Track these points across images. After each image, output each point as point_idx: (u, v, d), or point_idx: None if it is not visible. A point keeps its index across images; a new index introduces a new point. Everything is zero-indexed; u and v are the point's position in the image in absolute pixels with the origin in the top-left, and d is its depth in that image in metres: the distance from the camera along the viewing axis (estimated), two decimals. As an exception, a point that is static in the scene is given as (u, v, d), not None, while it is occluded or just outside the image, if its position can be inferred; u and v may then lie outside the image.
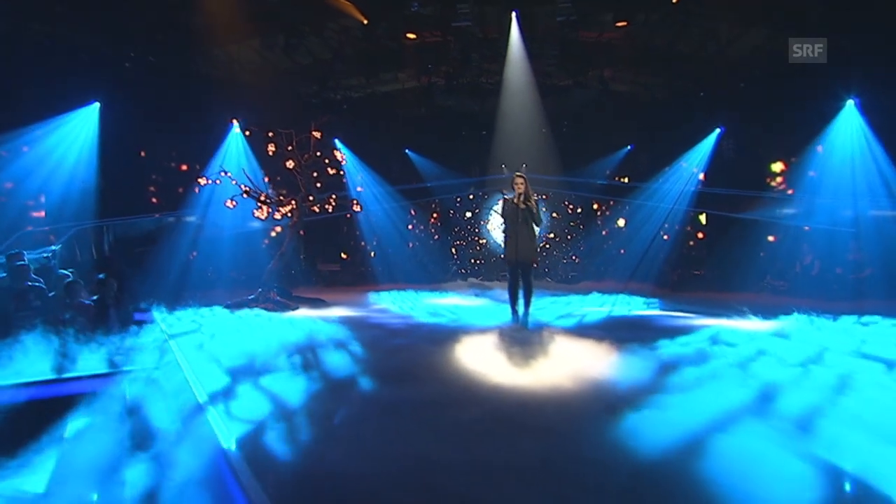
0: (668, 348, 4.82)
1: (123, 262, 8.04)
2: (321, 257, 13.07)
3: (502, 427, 3.01)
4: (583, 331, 5.80)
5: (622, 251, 15.30)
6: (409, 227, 16.89)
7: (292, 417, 3.09)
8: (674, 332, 5.70)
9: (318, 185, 8.17)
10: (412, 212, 16.97)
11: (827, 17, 10.55)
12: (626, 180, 15.43)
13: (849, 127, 10.66)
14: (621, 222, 14.80)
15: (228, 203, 7.57)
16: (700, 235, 14.09)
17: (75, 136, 10.07)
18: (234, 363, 4.03)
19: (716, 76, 12.99)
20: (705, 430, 2.81)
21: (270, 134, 7.98)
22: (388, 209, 15.12)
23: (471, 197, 16.92)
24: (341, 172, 8.81)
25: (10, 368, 3.98)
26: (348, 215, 14.50)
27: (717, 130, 13.56)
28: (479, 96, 15.37)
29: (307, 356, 4.30)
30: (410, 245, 16.42)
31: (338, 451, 2.67)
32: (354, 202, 8.77)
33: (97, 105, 10.70)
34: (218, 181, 7.92)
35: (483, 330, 5.71)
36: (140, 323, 6.06)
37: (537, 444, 2.77)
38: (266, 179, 9.37)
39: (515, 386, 3.77)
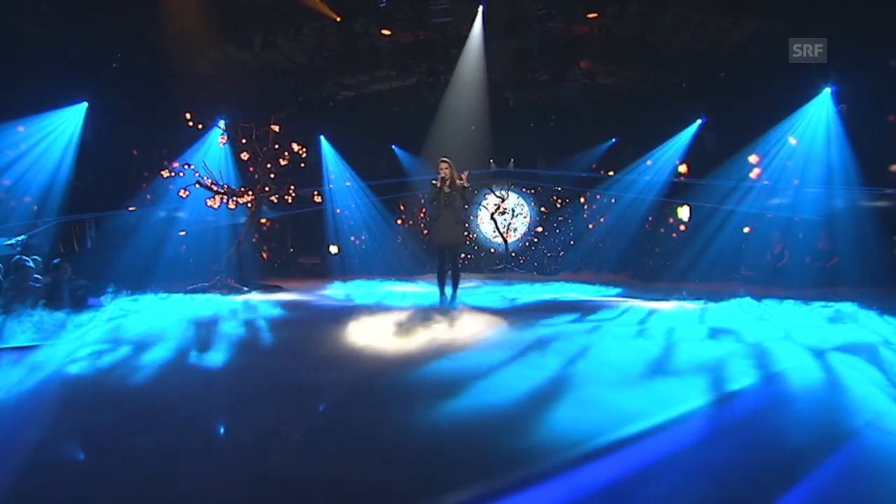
0: (560, 323, 4.98)
1: (100, 252, 8.47)
2: (304, 250, 13.41)
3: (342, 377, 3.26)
4: (501, 311, 5.95)
5: (600, 244, 15.32)
6: (399, 221, 17.17)
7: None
8: (585, 310, 5.83)
9: (272, 175, 8.44)
10: (401, 206, 17.26)
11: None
12: (612, 173, 15.43)
13: (820, 115, 10.52)
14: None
15: (182, 193, 7.95)
16: (682, 228, 14.01)
17: (60, 133, 10.55)
18: (128, 335, 4.35)
19: (698, 66, 12.94)
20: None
21: (221, 126, 8.32)
22: (376, 204, 15.38)
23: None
24: (302, 165, 9.04)
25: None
26: (339, 210, 14.89)
27: (698, 121, 13.50)
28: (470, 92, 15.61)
29: (204, 327, 4.62)
30: (399, 239, 16.70)
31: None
32: (315, 193, 9.07)
33: (85, 104, 11.22)
34: (181, 174, 8.27)
35: (400, 309, 5.89)
36: (91, 306, 6.40)
37: (368, 410, 2.93)
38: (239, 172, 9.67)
39: (378, 351, 4.01)
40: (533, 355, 3.78)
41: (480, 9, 10.66)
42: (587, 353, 3.77)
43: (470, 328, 4.67)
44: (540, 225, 17.08)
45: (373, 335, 4.56)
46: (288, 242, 14.68)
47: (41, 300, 5.82)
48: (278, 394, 3.07)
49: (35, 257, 7.31)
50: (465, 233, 6.13)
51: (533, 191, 17.19)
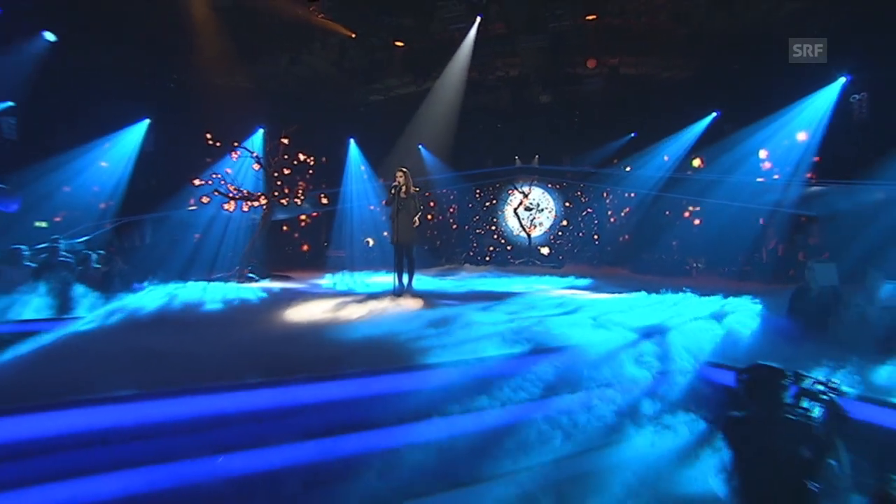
0: (458, 305, 5.99)
1: (146, 247, 10.31)
2: (332, 244, 14.93)
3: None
4: (434, 294, 7.04)
5: (620, 238, 15.53)
6: (429, 217, 18.28)
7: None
8: (497, 298, 6.85)
9: (279, 182, 9.85)
10: (431, 203, 18.35)
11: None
12: (628, 169, 15.55)
13: (824, 106, 10.30)
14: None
15: (203, 199, 9.55)
16: (697, 222, 13.95)
17: (126, 146, 12.68)
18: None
19: (716, 55, 12.81)
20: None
21: (235, 143, 9.85)
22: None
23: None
24: (310, 172, 10.40)
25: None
26: (372, 206, 16.23)
27: (713, 114, 13.38)
28: (493, 91, 16.32)
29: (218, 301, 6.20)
30: (428, 234, 17.81)
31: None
32: (322, 196, 10.41)
33: (147, 121, 13.31)
34: (209, 181, 9.85)
35: (362, 295, 7.07)
36: (135, 290, 8.03)
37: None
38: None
39: (317, 316, 5.36)
40: (410, 318, 5.18)
41: (478, 18, 11.34)
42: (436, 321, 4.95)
43: (385, 305, 5.99)
44: (565, 219, 17.51)
45: (321, 308, 6.07)
46: (322, 237, 16.28)
47: (98, 284, 7.49)
48: (249, 326, 4.88)
49: (99, 251, 9.15)
50: (419, 233, 7.14)
51: (558, 186, 17.63)
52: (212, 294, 6.72)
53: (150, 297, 6.28)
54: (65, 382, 2.81)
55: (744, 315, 4.80)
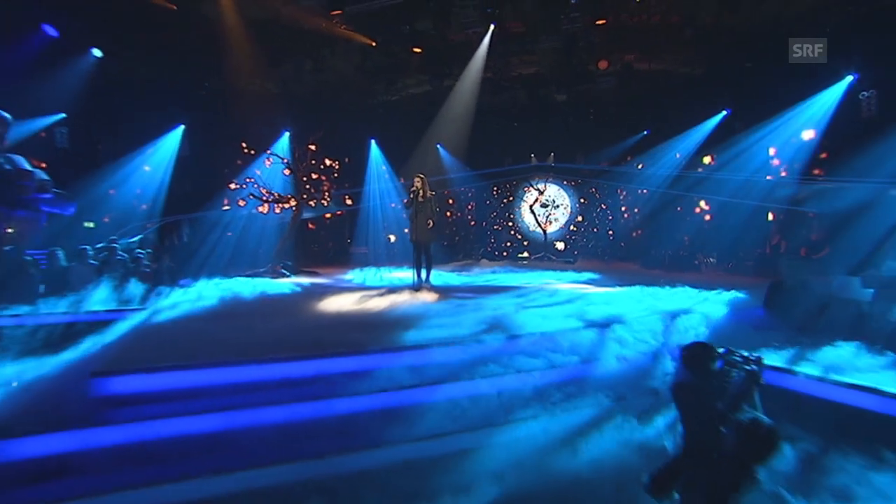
0: (468, 297, 6.68)
1: (186, 246, 11.24)
2: (355, 241, 15.75)
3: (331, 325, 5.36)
4: (448, 289, 7.74)
5: (633, 233, 15.94)
6: (447, 213, 18.95)
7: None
8: (503, 291, 7.50)
9: (308, 186, 10.66)
10: (450, 201, 19.01)
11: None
12: (640, 167, 15.93)
13: (831, 102, 10.59)
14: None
15: (240, 202, 10.43)
16: (707, 218, 14.28)
17: (165, 151, 13.65)
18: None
19: (725, 55, 13.08)
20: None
21: (268, 152, 10.72)
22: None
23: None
24: (335, 175, 11.18)
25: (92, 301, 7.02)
26: (392, 204, 16.96)
27: (723, 112, 13.67)
28: (509, 91, 16.81)
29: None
30: (447, 230, 18.49)
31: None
32: (346, 197, 11.19)
33: (182, 127, 14.28)
34: (243, 185, 10.70)
35: (384, 289, 7.82)
36: (181, 286, 8.88)
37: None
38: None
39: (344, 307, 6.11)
40: (425, 308, 5.88)
41: (491, 26, 11.89)
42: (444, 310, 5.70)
43: (405, 298, 6.78)
44: (580, 215, 17.99)
45: (348, 300, 6.81)
46: (346, 233, 17.12)
47: (149, 279, 8.38)
48: (291, 315, 5.75)
49: (148, 250, 10.06)
50: (435, 232, 7.87)
51: (573, 183, 18.09)
52: (252, 288, 7.50)
53: (200, 292, 7.08)
54: (162, 356, 3.64)
55: (718, 307, 5.35)
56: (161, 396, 3.37)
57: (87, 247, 8.30)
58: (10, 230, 9.02)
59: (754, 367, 2.74)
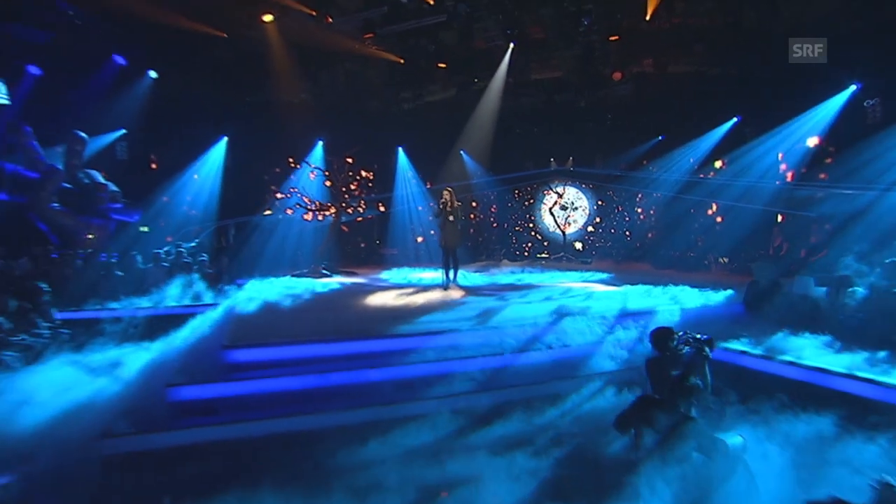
0: (490, 295, 7.71)
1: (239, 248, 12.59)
2: (384, 243, 16.90)
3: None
4: (474, 288, 8.76)
5: (649, 234, 16.63)
6: (471, 216, 19.90)
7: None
8: (522, 288, 8.56)
9: (346, 195, 11.88)
10: (473, 203, 19.95)
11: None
12: (651, 168, 16.60)
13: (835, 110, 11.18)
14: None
15: (288, 211, 11.69)
16: (719, 220, 14.88)
17: (213, 164, 15.02)
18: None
19: (735, 63, 13.62)
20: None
21: (312, 166, 11.94)
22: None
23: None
24: (370, 185, 12.37)
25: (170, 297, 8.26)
26: (420, 207, 18.01)
27: (734, 119, 14.27)
28: (530, 97, 17.64)
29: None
30: (472, 231, 19.45)
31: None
32: (380, 204, 12.34)
33: (225, 139, 15.62)
34: (288, 195, 11.95)
35: (417, 287, 8.88)
36: (238, 285, 10.05)
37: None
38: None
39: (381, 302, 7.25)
40: (456, 304, 7.04)
41: (511, 45, 12.79)
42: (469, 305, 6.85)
43: (436, 295, 7.84)
44: (598, 216, 18.73)
45: (386, 297, 7.97)
46: (375, 235, 18.28)
47: (212, 279, 9.59)
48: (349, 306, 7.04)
49: (205, 252, 11.28)
50: (462, 238, 8.98)
51: (591, 185, 18.83)
52: (305, 286, 8.64)
53: (260, 289, 8.24)
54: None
55: (699, 302, 6.27)
56: (271, 364, 4.81)
57: (160, 250, 9.58)
58: (90, 236, 10.40)
59: (704, 346, 3.68)
